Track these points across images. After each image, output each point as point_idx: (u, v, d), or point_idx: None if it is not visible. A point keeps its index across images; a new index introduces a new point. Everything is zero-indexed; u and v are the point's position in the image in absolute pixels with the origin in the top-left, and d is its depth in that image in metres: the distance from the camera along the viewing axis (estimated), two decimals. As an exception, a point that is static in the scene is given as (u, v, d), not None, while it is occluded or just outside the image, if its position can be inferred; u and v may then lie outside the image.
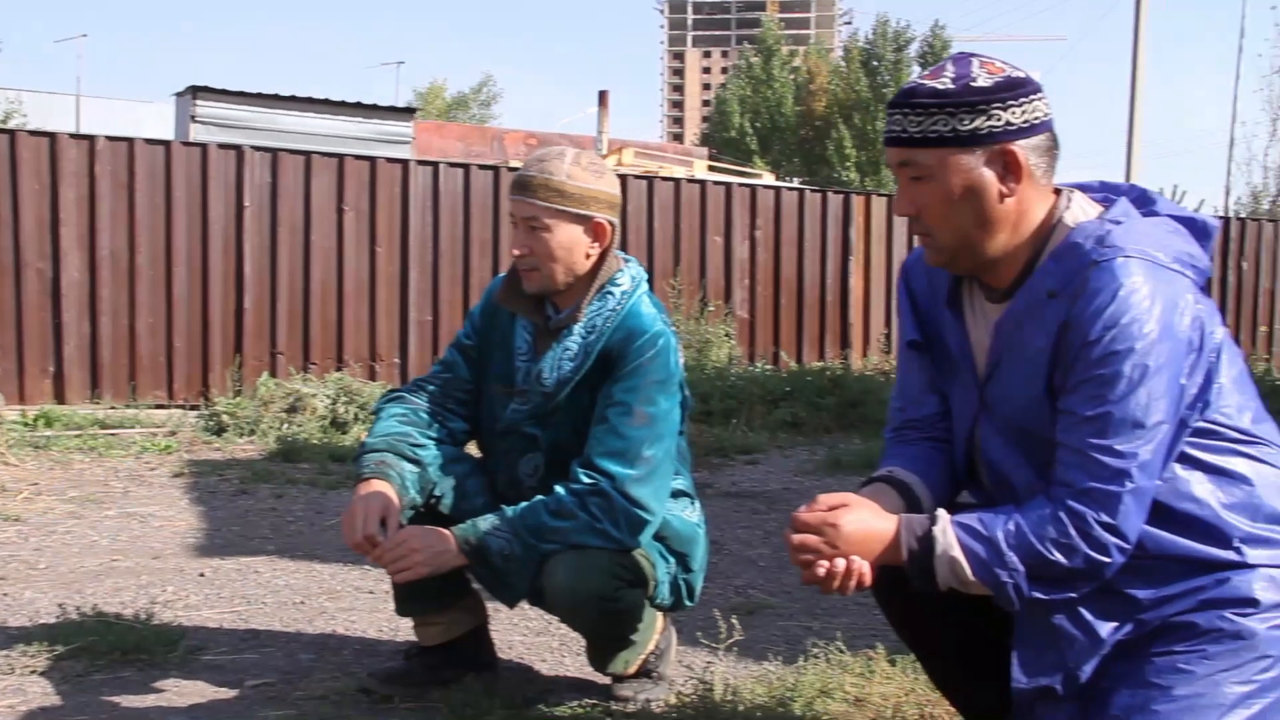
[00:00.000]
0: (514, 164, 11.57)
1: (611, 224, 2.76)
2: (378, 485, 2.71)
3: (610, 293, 2.78)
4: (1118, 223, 1.98)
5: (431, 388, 2.92)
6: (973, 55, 2.03)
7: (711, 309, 10.25)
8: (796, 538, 1.97)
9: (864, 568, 1.96)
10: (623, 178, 10.42)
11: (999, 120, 1.95)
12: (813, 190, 11.40)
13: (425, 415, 2.88)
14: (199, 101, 12.93)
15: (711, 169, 19.41)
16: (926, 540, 1.95)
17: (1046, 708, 2.05)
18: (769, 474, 7.16)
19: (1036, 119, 1.98)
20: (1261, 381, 11.39)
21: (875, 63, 54.39)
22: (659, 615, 2.95)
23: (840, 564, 1.95)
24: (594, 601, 2.66)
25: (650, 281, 2.82)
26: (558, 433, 2.81)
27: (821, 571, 1.96)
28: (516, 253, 2.74)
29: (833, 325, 10.92)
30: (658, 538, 2.82)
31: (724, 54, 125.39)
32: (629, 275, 2.82)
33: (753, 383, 9.13)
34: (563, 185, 2.70)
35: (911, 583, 1.99)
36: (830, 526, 1.96)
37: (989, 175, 1.98)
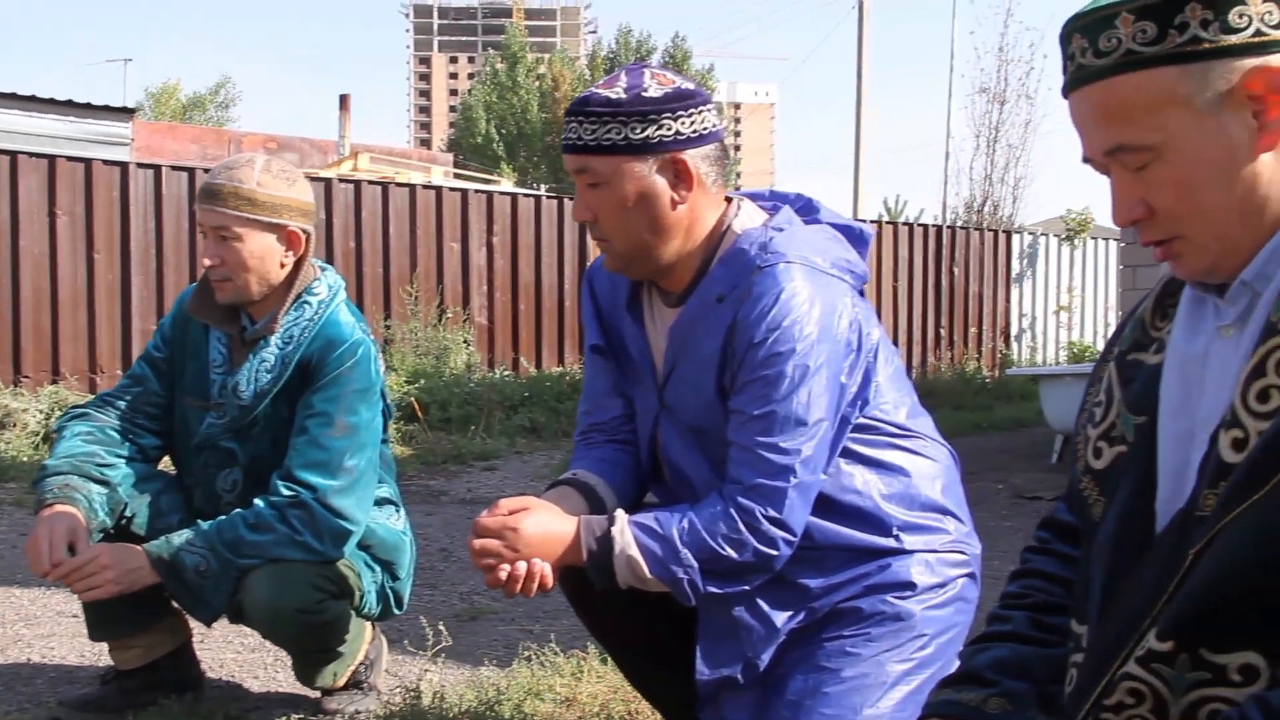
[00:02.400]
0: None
1: (306, 232, 2.72)
2: (62, 509, 2.59)
3: (307, 302, 2.73)
4: (780, 230, 2.08)
5: (120, 403, 2.81)
6: (645, 66, 2.10)
7: (450, 315, 10.19)
8: (478, 543, 2.00)
9: (545, 570, 2.00)
10: (357, 184, 10.23)
11: (669, 130, 2.02)
12: (549, 197, 11.49)
13: (113, 433, 2.76)
14: (-113, 96, 11.94)
15: (457, 176, 19.26)
16: (605, 540, 2.01)
17: (730, 697, 2.14)
18: (506, 480, 7.17)
19: (706, 129, 2.07)
20: (971, 380, 12.19)
21: (619, 71, 55.14)
22: (367, 625, 2.92)
23: (521, 567, 1.98)
24: (295, 615, 2.61)
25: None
26: (257, 446, 2.74)
27: (503, 575, 1.99)
28: (207, 263, 2.66)
29: (572, 331, 11.01)
30: (363, 547, 2.79)
31: (470, 59, 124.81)
32: (325, 284, 2.78)
33: (492, 389, 9.14)
34: (253, 194, 2.64)
35: (594, 583, 2.04)
36: (511, 530, 1.99)
37: (661, 183, 2.04)
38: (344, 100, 24.43)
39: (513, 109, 54.68)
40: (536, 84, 57.22)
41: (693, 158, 2.04)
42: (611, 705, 2.77)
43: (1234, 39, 1.22)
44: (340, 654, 2.80)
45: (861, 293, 2.15)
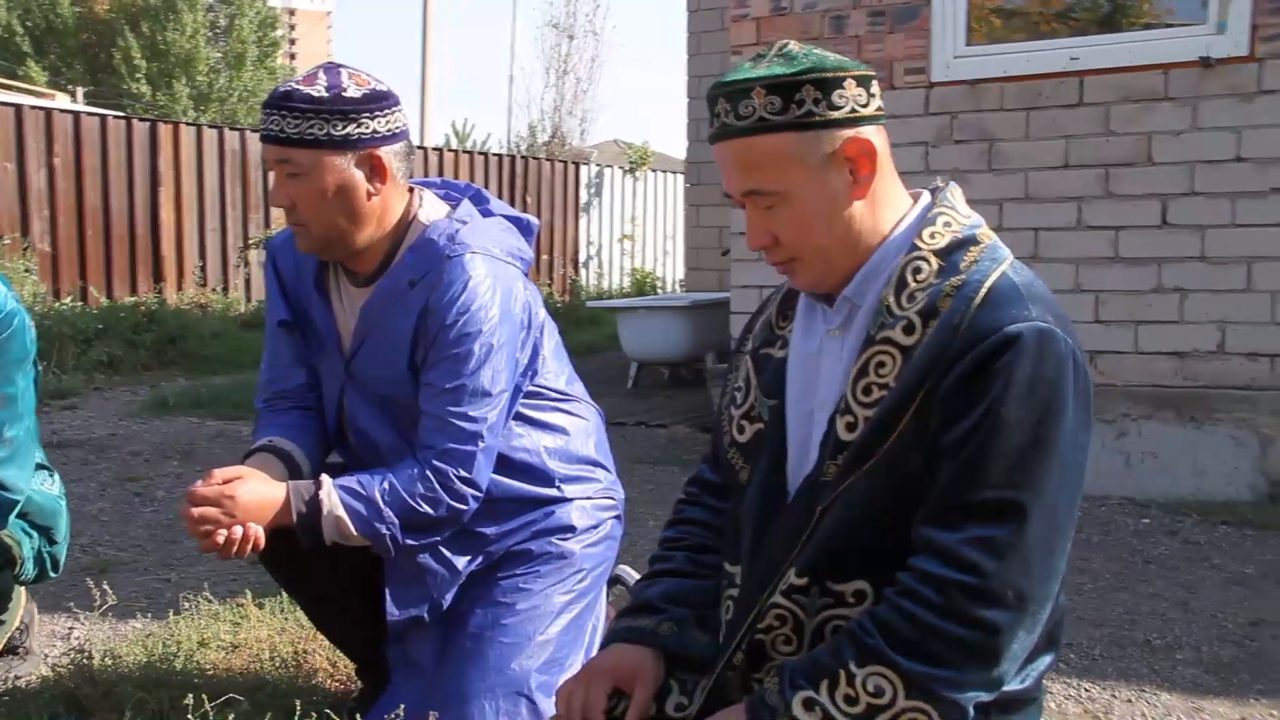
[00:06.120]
0: None
1: None
2: None
3: None
4: (464, 222, 2.35)
5: None
6: (340, 66, 2.29)
7: (8, 242, 9.47)
8: (196, 511, 2.14)
9: (259, 532, 2.18)
10: (-110, 94, 9.23)
11: (368, 128, 2.23)
12: (116, 117, 10.86)
13: None
14: None
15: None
16: (314, 503, 2.22)
17: (415, 634, 2.42)
18: (92, 419, 6.91)
19: (398, 128, 2.29)
20: (548, 304, 12.81)
21: (165, -31, 51.35)
22: (21, 590, 2.92)
23: (238, 531, 2.15)
24: (-40, 591, 2.60)
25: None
26: (-97, 419, 2.66)
27: (221, 539, 2.15)
28: None
29: (145, 258, 10.55)
30: (20, 514, 2.79)
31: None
32: None
33: (62, 321, 8.66)
34: None
35: (301, 541, 2.24)
36: (227, 498, 2.15)
37: (358, 176, 2.25)
38: None
39: (40, 0, 49.71)
40: (68, -25, 52.20)
41: (386, 154, 2.26)
42: (279, 647, 2.95)
43: (836, 114, 1.62)
44: (2, 622, 2.80)
45: (528, 275, 2.46)
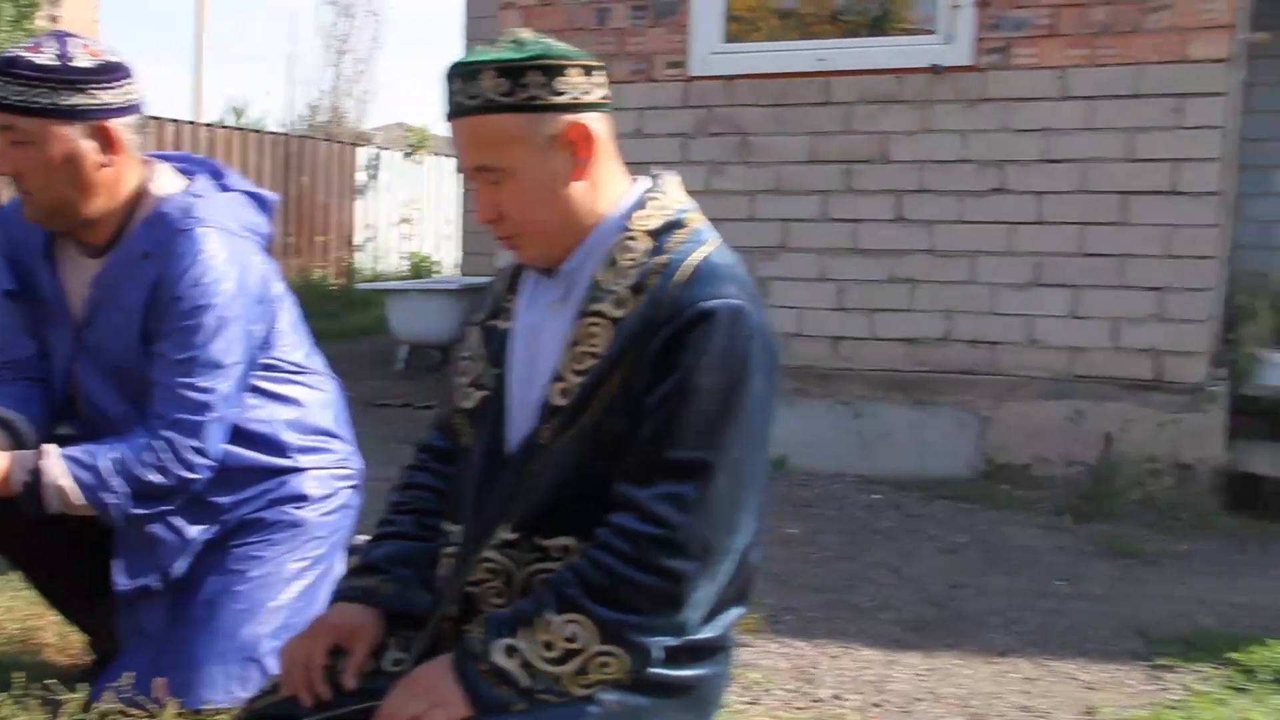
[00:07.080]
0: None
1: None
2: None
3: None
4: (199, 196, 2.38)
5: None
6: (70, 35, 2.28)
7: None
8: None
9: None
10: None
11: (98, 99, 2.24)
12: None
13: None
14: None
15: None
16: (36, 472, 2.21)
17: (147, 604, 2.44)
18: None
19: (131, 100, 2.30)
20: (319, 287, 12.58)
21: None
22: None
23: None
24: None
25: None
26: None
27: None
28: None
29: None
30: None
31: None
32: None
33: None
34: None
35: (23, 510, 2.23)
36: None
37: (88, 147, 2.25)
38: None
39: None
40: None
41: (118, 125, 2.28)
42: (6, 625, 2.89)
43: (559, 99, 1.74)
44: None
45: (267, 250, 2.50)
